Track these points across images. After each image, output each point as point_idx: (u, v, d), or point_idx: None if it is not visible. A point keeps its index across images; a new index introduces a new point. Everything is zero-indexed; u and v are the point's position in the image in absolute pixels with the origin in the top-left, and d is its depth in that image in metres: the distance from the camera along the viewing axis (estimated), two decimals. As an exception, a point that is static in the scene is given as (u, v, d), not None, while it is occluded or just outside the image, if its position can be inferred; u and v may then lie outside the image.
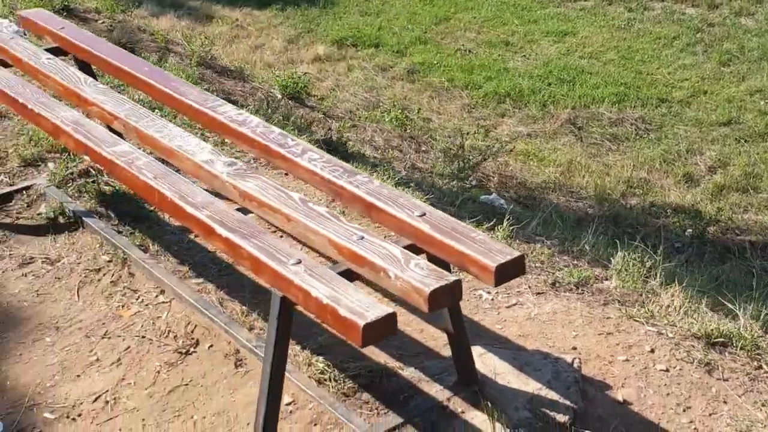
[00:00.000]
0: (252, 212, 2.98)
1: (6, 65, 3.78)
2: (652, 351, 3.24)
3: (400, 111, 8.30)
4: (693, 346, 3.29)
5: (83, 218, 3.86)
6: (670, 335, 3.32)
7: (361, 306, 2.40)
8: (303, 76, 8.48)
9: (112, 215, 3.94)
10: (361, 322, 2.35)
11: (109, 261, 3.70)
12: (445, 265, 2.69)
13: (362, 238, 2.66)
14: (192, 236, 3.88)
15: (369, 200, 2.85)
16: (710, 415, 3.00)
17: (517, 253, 2.55)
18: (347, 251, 2.65)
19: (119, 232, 3.81)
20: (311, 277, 2.53)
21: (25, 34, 5.28)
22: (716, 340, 3.32)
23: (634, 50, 9.62)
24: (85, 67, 3.90)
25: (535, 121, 8.63)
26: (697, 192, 7.50)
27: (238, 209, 2.94)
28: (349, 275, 2.64)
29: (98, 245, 3.77)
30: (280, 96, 8.03)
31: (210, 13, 10.62)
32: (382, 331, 2.39)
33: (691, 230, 7.02)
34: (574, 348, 3.20)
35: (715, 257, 6.62)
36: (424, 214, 2.74)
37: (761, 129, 8.12)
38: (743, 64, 9.13)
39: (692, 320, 3.42)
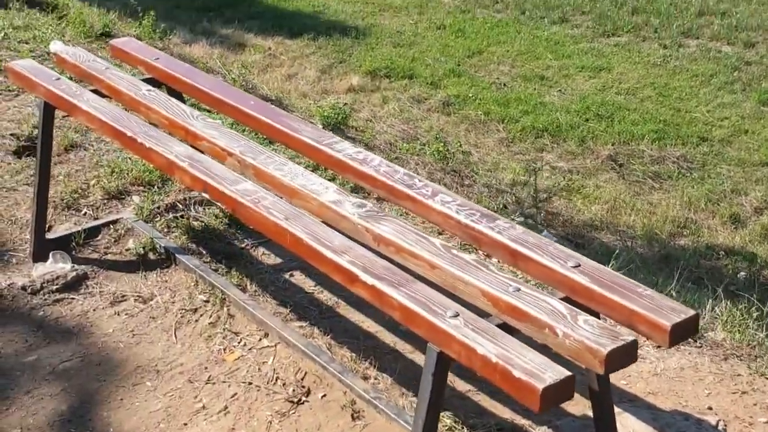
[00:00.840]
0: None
1: (101, 95, 3.64)
2: (790, 410, 3.12)
3: (441, 144, 8.19)
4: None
5: (175, 255, 3.72)
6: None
7: (536, 367, 2.26)
8: (344, 106, 8.37)
9: (204, 252, 3.79)
10: (540, 386, 2.20)
11: (206, 301, 3.55)
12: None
13: (518, 289, 2.53)
14: (288, 276, 3.74)
15: (514, 247, 2.72)
16: None
17: (691, 312, 2.42)
18: (504, 304, 2.51)
19: (215, 270, 3.66)
20: (474, 332, 2.39)
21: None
22: None
23: (672, 87, 9.56)
24: (179, 98, 3.76)
25: (575, 157, 8.53)
26: (745, 233, 7.40)
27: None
28: (507, 330, 2.50)
29: (193, 283, 3.63)
30: (321, 126, 7.92)
31: (242, 42, 10.52)
32: (560, 395, 2.25)
33: (744, 273, 6.91)
34: (710, 408, 3.06)
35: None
36: (579, 265, 2.62)
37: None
38: (792, 104, 9.08)
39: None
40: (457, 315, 2.46)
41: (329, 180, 4.42)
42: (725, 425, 2.92)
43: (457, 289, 2.65)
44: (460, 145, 8.41)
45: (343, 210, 2.91)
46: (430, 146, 8.16)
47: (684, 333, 2.43)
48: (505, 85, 9.83)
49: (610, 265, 5.14)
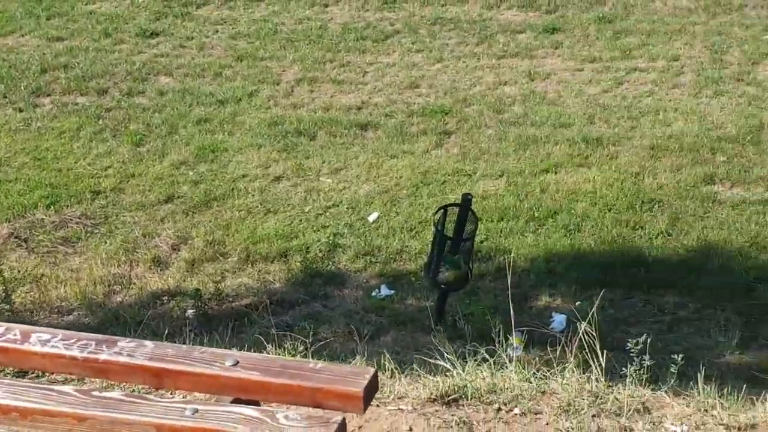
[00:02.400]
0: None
1: None
2: None
3: None
4: None
5: None
6: None
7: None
8: None
9: None
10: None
11: None
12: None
13: (197, 411, 2.28)
14: None
15: (156, 366, 2.43)
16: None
17: (372, 370, 2.42)
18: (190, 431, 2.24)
19: None
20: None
21: None
22: None
23: (44, 149, 9.27)
24: None
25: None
26: (173, 272, 7.55)
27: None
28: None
29: None
30: None
31: None
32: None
33: (192, 310, 7.07)
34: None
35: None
36: (238, 362, 2.44)
37: (201, 198, 8.44)
38: (156, 140, 9.37)
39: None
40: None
41: None
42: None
43: (121, 435, 2.29)
44: None
45: None
46: None
47: (372, 393, 2.43)
48: None
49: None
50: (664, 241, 7.44)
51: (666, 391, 3.88)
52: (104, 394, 2.34)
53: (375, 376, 2.43)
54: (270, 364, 2.46)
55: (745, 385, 4.29)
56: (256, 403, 2.42)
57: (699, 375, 4.02)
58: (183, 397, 2.67)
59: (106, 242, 7.93)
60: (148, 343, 2.53)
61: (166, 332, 5.62)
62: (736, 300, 6.73)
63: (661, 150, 8.65)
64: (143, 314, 6.89)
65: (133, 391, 3.34)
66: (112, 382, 2.76)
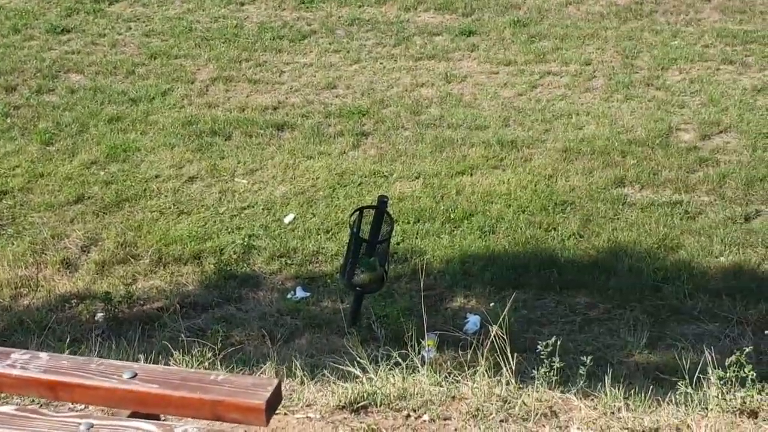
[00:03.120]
0: None
1: None
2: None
3: None
4: None
5: None
6: None
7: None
8: None
9: None
10: None
11: None
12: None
13: (91, 426, 2.21)
14: None
15: (50, 379, 2.35)
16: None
17: (275, 380, 2.38)
18: (83, 449, 2.17)
19: None
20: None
21: None
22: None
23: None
24: None
25: None
26: (82, 274, 7.38)
27: None
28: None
29: None
30: None
31: None
32: None
33: (102, 313, 6.93)
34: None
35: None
36: (136, 374, 2.38)
37: (112, 198, 8.27)
38: (66, 139, 9.16)
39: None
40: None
41: None
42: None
43: (8, 454, 2.21)
44: None
45: None
46: None
47: (275, 404, 2.39)
48: None
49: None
50: (576, 242, 7.55)
51: (575, 393, 3.92)
52: (-4, 408, 2.26)
53: (278, 387, 2.39)
54: (169, 377, 2.40)
55: (651, 386, 4.38)
56: (155, 417, 2.37)
57: (606, 377, 4.07)
58: (81, 410, 2.59)
59: (12, 243, 7.72)
60: (43, 354, 2.45)
61: (72, 338, 5.49)
62: (645, 300, 6.87)
63: (573, 153, 8.77)
64: (50, 318, 6.73)
65: (30, 403, 3.24)
66: (5, 395, 2.67)
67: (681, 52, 10.67)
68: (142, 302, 7.11)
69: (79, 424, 2.22)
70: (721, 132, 9.09)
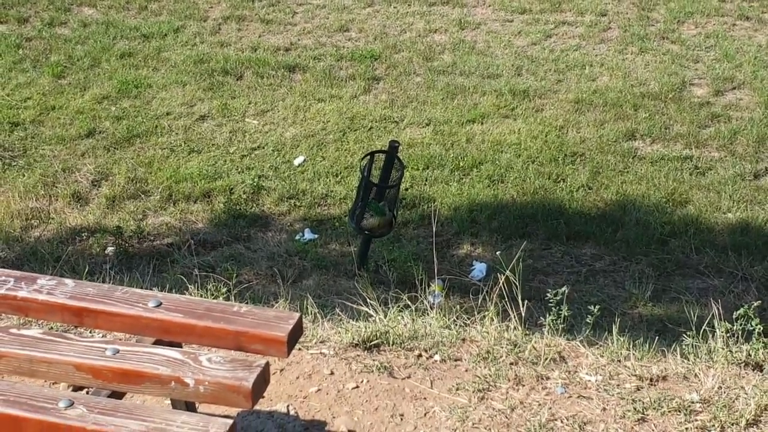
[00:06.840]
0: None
1: None
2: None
3: None
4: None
5: None
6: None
7: (195, 427, 2.07)
8: None
9: None
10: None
11: None
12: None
13: (117, 351, 2.26)
14: None
15: (76, 305, 2.40)
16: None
17: (296, 315, 2.42)
18: (109, 372, 2.22)
19: None
20: (109, 416, 2.08)
21: None
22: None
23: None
24: None
25: None
26: (93, 208, 7.43)
27: None
28: (117, 397, 2.23)
29: None
30: None
31: None
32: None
33: (112, 247, 6.97)
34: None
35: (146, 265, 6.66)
36: (161, 303, 2.42)
37: (123, 134, 8.28)
38: (78, 73, 9.14)
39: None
40: (72, 403, 2.10)
41: None
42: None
43: (38, 373, 2.26)
44: None
45: None
46: None
47: (296, 337, 2.44)
48: None
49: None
50: (585, 194, 7.57)
51: (581, 341, 3.97)
52: (22, 331, 2.30)
53: (300, 321, 2.43)
54: (194, 306, 2.44)
55: (657, 337, 4.42)
56: (178, 345, 2.41)
57: (613, 326, 4.12)
58: (103, 337, 2.64)
59: (24, 175, 7.75)
60: (69, 281, 2.49)
61: (87, 270, 5.52)
62: (651, 253, 6.90)
63: (585, 104, 8.75)
64: (62, 250, 6.77)
65: (51, 328, 3.29)
66: (29, 318, 2.71)
67: (697, 6, 10.59)
68: (152, 238, 7.15)
69: (105, 349, 2.26)
70: (734, 88, 9.06)
